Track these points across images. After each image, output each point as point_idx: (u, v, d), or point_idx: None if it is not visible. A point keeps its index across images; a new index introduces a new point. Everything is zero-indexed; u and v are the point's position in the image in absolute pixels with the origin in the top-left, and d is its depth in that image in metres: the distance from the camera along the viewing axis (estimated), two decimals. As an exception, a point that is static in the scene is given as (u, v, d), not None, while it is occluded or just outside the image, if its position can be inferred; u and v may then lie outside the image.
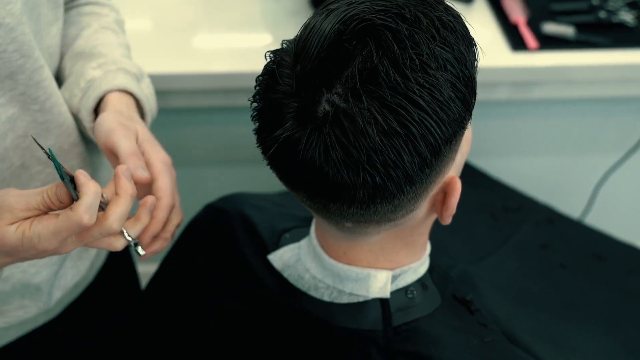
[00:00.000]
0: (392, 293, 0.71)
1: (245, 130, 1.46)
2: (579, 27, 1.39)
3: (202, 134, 1.51)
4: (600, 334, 1.02)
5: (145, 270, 1.21)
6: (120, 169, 0.63)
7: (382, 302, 0.71)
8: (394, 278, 0.71)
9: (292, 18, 1.43)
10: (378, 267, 0.71)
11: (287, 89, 0.58)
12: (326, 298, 0.72)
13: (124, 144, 0.73)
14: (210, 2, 1.47)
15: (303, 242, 0.76)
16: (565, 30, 1.38)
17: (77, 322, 0.97)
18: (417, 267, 0.73)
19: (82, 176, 0.60)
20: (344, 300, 0.71)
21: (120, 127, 0.75)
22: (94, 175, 0.89)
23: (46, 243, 0.61)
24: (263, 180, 1.54)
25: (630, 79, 1.41)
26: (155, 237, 0.75)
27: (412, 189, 0.60)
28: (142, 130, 0.78)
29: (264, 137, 0.61)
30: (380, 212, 0.61)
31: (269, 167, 0.63)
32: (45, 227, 0.61)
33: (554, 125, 1.57)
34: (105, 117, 0.77)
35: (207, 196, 0.99)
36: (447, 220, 0.68)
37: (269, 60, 0.62)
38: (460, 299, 0.75)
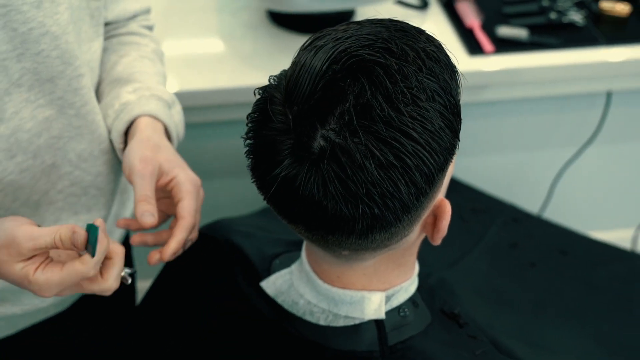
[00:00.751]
0: (387, 313, 0.72)
1: (206, 146, 1.48)
2: (532, 29, 1.43)
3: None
4: (573, 331, 1.05)
5: (142, 286, 1.19)
6: (101, 227, 0.68)
7: (377, 323, 0.72)
8: (387, 298, 0.73)
9: (249, 31, 1.43)
10: (371, 289, 0.72)
11: (281, 126, 0.59)
12: (322, 322, 0.73)
13: (138, 187, 0.77)
14: (165, 15, 1.46)
15: (294, 267, 0.77)
16: (518, 32, 1.42)
17: (84, 317, 1.02)
18: (408, 286, 0.74)
19: (102, 233, 0.66)
20: (340, 323, 0.72)
21: (141, 164, 0.78)
22: (117, 180, 0.93)
23: (47, 293, 0.67)
24: (241, 192, 1.55)
25: (581, 77, 1.45)
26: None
27: (408, 217, 0.61)
28: (169, 155, 0.82)
29: (260, 174, 0.62)
30: (377, 240, 0.63)
31: (265, 201, 0.64)
32: (49, 278, 0.66)
33: (509, 124, 1.62)
34: (130, 150, 0.81)
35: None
36: (438, 241, 0.70)
37: (258, 97, 0.63)
38: (448, 313, 0.77)
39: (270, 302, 0.76)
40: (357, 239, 0.61)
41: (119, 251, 0.70)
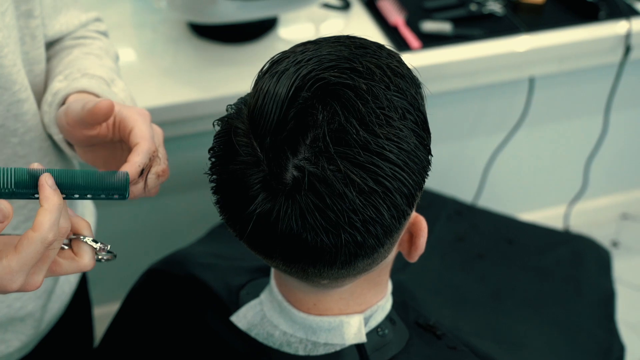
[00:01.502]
0: (366, 335, 0.71)
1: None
2: (455, 21, 1.44)
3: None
4: (532, 320, 1.07)
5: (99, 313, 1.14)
6: (44, 178, 0.58)
7: (358, 346, 0.70)
8: (366, 320, 0.71)
9: (171, 45, 1.38)
10: (349, 312, 0.70)
11: (249, 159, 0.56)
12: (301, 352, 0.70)
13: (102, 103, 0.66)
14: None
15: (264, 297, 0.74)
16: (443, 26, 1.43)
17: None
18: (384, 304, 0.73)
19: (46, 185, 0.57)
20: (320, 351, 0.70)
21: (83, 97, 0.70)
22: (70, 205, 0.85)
23: (13, 280, 0.57)
24: (179, 211, 1.50)
25: (505, 65, 1.48)
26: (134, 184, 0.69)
27: (390, 240, 0.60)
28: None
29: (231, 212, 0.59)
30: (359, 267, 0.61)
31: (239, 240, 0.61)
32: (7, 265, 0.56)
33: (438, 117, 1.63)
34: (59, 113, 0.72)
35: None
36: (416, 258, 0.69)
37: (218, 128, 0.60)
38: (424, 325, 0.76)
39: (243, 337, 0.73)
40: (339, 268, 0.59)
41: (84, 225, 0.62)
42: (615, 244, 2.05)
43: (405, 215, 0.58)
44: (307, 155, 0.55)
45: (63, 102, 0.76)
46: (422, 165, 0.59)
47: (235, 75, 1.32)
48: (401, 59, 0.61)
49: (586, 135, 1.77)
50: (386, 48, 0.61)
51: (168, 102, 1.26)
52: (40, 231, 0.56)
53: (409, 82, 0.59)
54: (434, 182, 1.60)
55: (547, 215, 1.94)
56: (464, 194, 1.73)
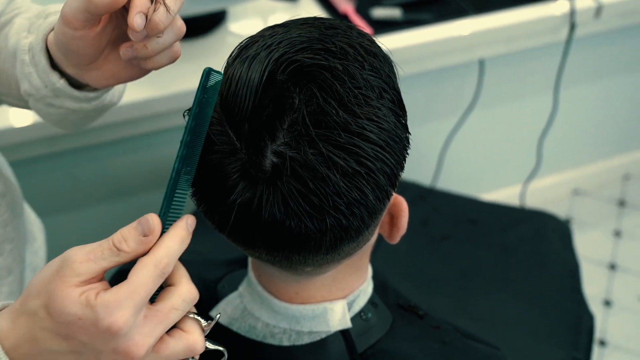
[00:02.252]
0: (351, 320, 0.70)
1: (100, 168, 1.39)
2: (404, 7, 1.44)
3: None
4: (502, 296, 1.08)
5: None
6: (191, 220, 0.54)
7: (343, 332, 0.69)
8: (349, 305, 0.70)
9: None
10: (332, 298, 0.69)
11: (225, 148, 0.55)
12: (285, 342, 0.69)
13: None
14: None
15: (243, 290, 0.72)
16: (392, 12, 1.43)
17: None
18: (366, 287, 0.72)
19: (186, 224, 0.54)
20: (305, 340, 0.69)
21: None
22: (23, 225, 0.78)
23: (117, 315, 0.49)
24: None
25: (456, 48, 1.49)
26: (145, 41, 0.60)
27: (374, 222, 0.59)
28: None
29: (211, 205, 0.57)
30: (344, 252, 0.60)
31: (217, 231, 0.59)
32: (114, 292, 0.49)
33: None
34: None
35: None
36: (397, 239, 0.68)
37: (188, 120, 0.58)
38: (406, 306, 0.76)
39: (224, 332, 0.71)
40: (324, 254, 0.58)
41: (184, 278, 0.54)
42: (569, 220, 2.10)
43: (388, 195, 0.58)
44: (286, 140, 0.53)
45: (47, 50, 0.68)
46: (402, 144, 0.58)
47: (188, 71, 1.29)
48: (372, 38, 0.60)
49: (537, 114, 1.80)
50: (356, 27, 0.60)
51: (130, 99, 1.23)
52: (156, 254, 0.51)
53: (382, 61, 0.59)
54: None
55: (503, 194, 1.97)
56: (422, 178, 1.74)
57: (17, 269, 0.79)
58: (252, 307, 0.71)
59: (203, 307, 0.74)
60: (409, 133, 0.60)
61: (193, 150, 0.55)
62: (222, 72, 0.57)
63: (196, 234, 0.57)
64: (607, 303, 1.88)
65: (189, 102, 0.57)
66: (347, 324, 0.69)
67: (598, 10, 1.53)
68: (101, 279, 0.52)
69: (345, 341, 0.69)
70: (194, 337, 0.54)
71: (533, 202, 2.02)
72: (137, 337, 0.50)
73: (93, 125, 1.23)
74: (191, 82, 1.26)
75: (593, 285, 1.91)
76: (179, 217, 0.54)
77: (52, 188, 1.39)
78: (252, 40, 0.58)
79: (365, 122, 0.54)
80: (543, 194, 2.07)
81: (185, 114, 0.58)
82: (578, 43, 1.63)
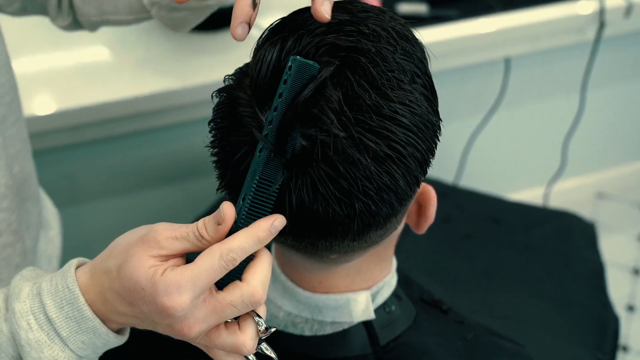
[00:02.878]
0: (374, 312, 0.68)
1: (113, 161, 1.39)
2: (431, 2, 1.43)
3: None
4: (524, 296, 1.06)
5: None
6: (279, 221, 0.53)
7: (366, 324, 0.68)
8: (373, 297, 0.69)
9: (142, 35, 1.35)
10: (355, 289, 0.68)
11: (255, 131, 0.53)
12: (307, 332, 0.68)
13: None
14: (45, 26, 1.35)
15: (264, 279, 0.71)
16: (418, 8, 1.42)
17: None
18: (390, 280, 0.71)
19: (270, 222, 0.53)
20: (327, 331, 0.68)
21: None
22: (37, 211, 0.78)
23: (174, 296, 0.50)
24: (156, 206, 1.46)
25: (481, 46, 1.47)
26: None
27: (403, 209, 0.58)
28: None
29: (237, 188, 0.56)
30: (371, 239, 0.59)
31: None
32: (178, 274, 0.50)
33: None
34: None
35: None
36: (425, 229, 0.67)
37: (217, 100, 0.57)
38: (430, 301, 0.75)
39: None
40: (351, 240, 0.57)
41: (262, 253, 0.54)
42: (592, 223, 2.06)
43: (418, 181, 0.56)
44: (316, 123, 0.52)
45: None
46: (434, 129, 0.57)
47: (210, 63, 1.29)
48: (404, 22, 0.59)
49: (563, 114, 1.78)
50: (388, 11, 0.59)
51: (143, 92, 1.23)
52: (225, 245, 0.51)
53: (414, 45, 0.57)
54: (413, 166, 1.60)
55: (527, 195, 1.95)
56: (445, 176, 1.72)
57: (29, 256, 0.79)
58: (274, 296, 0.70)
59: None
60: (441, 120, 0.59)
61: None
62: (252, 53, 0.56)
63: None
64: (631, 308, 1.85)
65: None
66: (371, 315, 0.68)
67: (628, 10, 1.50)
68: (179, 259, 0.53)
69: (368, 333, 0.68)
70: (244, 339, 0.54)
71: (556, 204, 1.99)
72: (191, 319, 0.52)
73: (114, 115, 1.24)
74: (213, 74, 1.25)
75: (616, 289, 1.88)
76: (268, 212, 0.53)
77: (72, 178, 1.39)
78: (283, 22, 0.57)
79: (398, 106, 0.53)
80: (567, 196, 2.04)
81: (214, 95, 0.57)
82: (607, 43, 1.60)
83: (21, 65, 1.26)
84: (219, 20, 1.34)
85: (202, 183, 1.44)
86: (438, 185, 1.34)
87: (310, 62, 0.52)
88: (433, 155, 0.58)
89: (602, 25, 1.51)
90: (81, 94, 1.23)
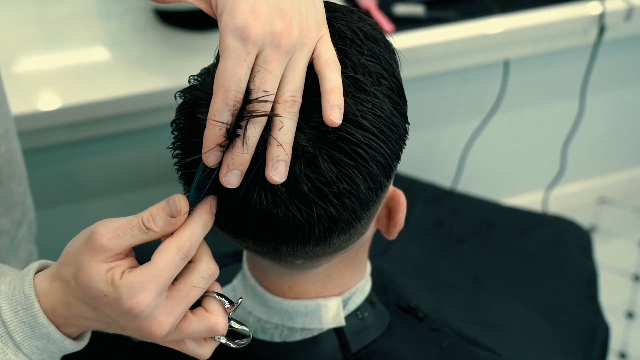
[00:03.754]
0: (345, 318, 0.67)
1: (103, 161, 1.38)
2: (428, 4, 1.42)
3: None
4: (515, 303, 1.05)
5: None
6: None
7: (337, 331, 0.67)
8: (344, 303, 0.68)
9: (137, 34, 1.34)
10: (326, 295, 0.67)
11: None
12: (277, 339, 0.67)
13: None
14: (39, 24, 1.34)
15: (236, 283, 0.70)
16: (415, 9, 1.40)
17: None
18: (363, 285, 0.70)
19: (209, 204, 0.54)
20: (297, 337, 0.67)
21: None
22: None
23: (140, 296, 0.50)
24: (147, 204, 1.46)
25: (480, 48, 1.46)
26: None
27: (367, 215, 0.56)
28: None
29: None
30: (335, 244, 0.58)
31: None
32: (138, 274, 0.51)
33: (412, 102, 1.60)
34: None
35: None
36: (395, 235, 0.66)
37: (180, 100, 0.56)
38: (406, 307, 0.73)
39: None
40: (314, 246, 0.56)
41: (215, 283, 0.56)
42: (593, 228, 2.04)
43: (382, 187, 0.55)
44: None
45: None
46: (399, 133, 0.55)
47: (204, 63, 1.28)
48: (375, 23, 0.58)
49: (563, 118, 1.76)
50: (357, 11, 0.58)
51: (137, 91, 1.22)
52: (180, 237, 0.52)
53: (382, 47, 0.56)
54: (410, 168, 1.58)
55: (525, 200, 1.93)
56: (442, 180, 1.70)
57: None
58: (244, 301, 0.69)
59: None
60: (408, 123, 0.57)
61: None
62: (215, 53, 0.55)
63: None
64: (630, 315, 1.83)
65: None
66: (341, 322, 0.67)
67: (629, 13, 1.48)
68: (127, 255, 0.53)
69: (339, 340, 0.67)
70: (216, 318, 0.54)
71: (556, 209, 1.97)
72: (159, 317, 0.52)
73: (110, 114, 1.23)
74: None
75: (616, 296, 1.86)
76: (202, 198, 0.54)
77: (70, 176, 1.39)
78: None
79: (358, 108, 0.52)
80: (566, 201, 2.02)
81: (177, 95, 0.56)
82: (607, 46, 1.58)
83: (18, 64, 1.26)
84: (211, 20, 1.33)
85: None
86: (431, 189, 1.33)
87: None
88: (398, 159, 0.56)
89: (602, 29, 1.49)
90: (77, 92, 1.22)
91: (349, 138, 0.51)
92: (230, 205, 0.53)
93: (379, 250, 1.12)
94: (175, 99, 0.57)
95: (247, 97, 0.49)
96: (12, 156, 0.82)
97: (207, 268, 0.53)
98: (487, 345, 0.74)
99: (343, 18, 0.56)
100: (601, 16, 1.46)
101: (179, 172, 0.57)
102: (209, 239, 0.73)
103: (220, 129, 0.49)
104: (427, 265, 1.12)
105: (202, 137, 0.53)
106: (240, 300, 0.57)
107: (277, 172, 0.50)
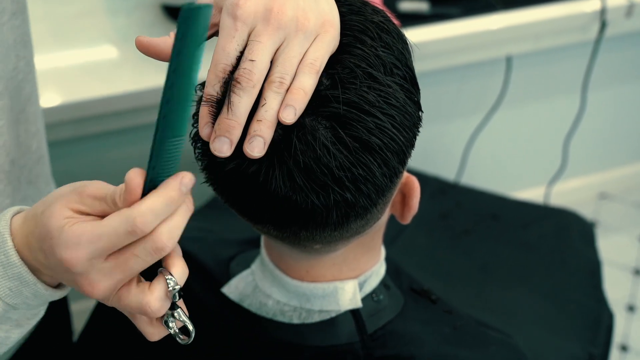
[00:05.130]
0: (361, 300, 0.69)
1: (111, 155, 1.40)
2: (432, 1, 1.43)
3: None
4: (520, 291, 1.07)
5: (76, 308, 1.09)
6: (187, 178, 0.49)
7: (353, 312, 0.69)
8: (360, 285, 0.70)
9: (146, 30, 1.36)
10: (343, 278, 0.69)
11: None
12: (296, 320, 0.69)
13: None
14: (47, 21, 1.36)
15: (255, 267, 0.72)
16: (419, 6, 1.42)
17: None
18: (378, 269, 0.72)
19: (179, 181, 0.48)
20: (315, 319, 0.69)
21: None
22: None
23: (73, 249, 0.48)
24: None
25: (483, 44, 1.48)
26: None
27: (382, 200, 0.58)
28: None
29: (216, 175, 0.57)
30: (353, 229, 0.60)
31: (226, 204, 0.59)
32: (81, 228, 0.48)
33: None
34: None
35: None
36: (409, 219, 0.68)
37: (200, 94, 0.58)
38: (419, 290, 0.75)
39: (235, 308, 0.71)
40: (332, 230, 0.58)
41: (178, 263, 0.52)
42: (594, 223, 2.06)
43: (397, 173, 0.57)
44: None
45: None
46: (413, 121, 0.57)
47: (206, 60, 1.30)
48: (386, 15, 0.60)
49: (564, 114, 1.78)
50: (371, 4, 0.60)
51: (146, 86, 1.24)
52: (134, 209, 0.47)
53: (395, 38, 0.58)
54: (413, 162, 1.60)
55: (527, 195, 1.95)
56: (445, 175, 1.72)
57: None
58: (263, 285, 0.70)
59: (215, 283, 0.74)
60: (422, 111, 0.59)
61: (180, 94, 0.48)
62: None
63: (211, 217, 0.57)
64: (631, 308, 1.85)
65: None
66: (358, 304, 0.68)
67: (629, 9, 1.50)
68: (94, 220, 0.50)
69: (356, 321, 0.69)
70: (150, 297, 0.50)
71: (557, 204, 1.99)
72: (94, 276, 0.49)
73: (117, 109, 1.25)
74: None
75: (617, 289, 1.88)
76: (173, 172, 0.49)
77: (75, 171, 1.40)
78: None
79: (372, 96, 0.53)
80: (568, 196, 2.04)
81: (197, 89, 0.58)
82: (608, 42, 1.61)
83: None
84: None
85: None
86: (436, 182, 1.35)
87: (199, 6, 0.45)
88: (412, 146, 0.58)
89: (603, 25, 1.51)
90: (85, 88, 1.24)
91: (364, 126, 0.53)
92: (250, 191, 0.55)
93: (386, 242, 1.14)
94: (196, 92, 0.58)
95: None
96: (41, 155, 0.83)
97: (154, 241, 0.48)
98: (497, 328, 0.76)
99: (357, 11, 0.57)
100: (602, 12, 1.48)
101: (200, 163, 0.58)
102: (228, 224, 0.75)
103: (210, 100, 0.51)
104: (434, 255, 1.14)
105: None
106: (179, 287, 0.52)
107: (252, 146, 0.51)
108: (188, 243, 0.79)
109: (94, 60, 1.31)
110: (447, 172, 1.77)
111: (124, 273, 0.49)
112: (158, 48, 0.57)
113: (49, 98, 1.21)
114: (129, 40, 1.34)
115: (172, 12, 1.35)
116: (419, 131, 0.59)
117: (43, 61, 1.29)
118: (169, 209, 0.48)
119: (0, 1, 0.70)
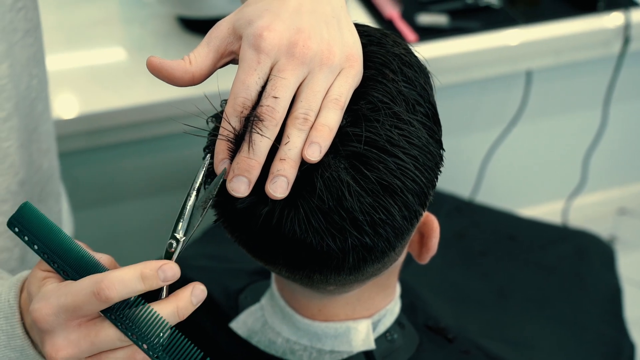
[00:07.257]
0: (375, 341, 0.67)
1: (123, 167, 1.38)
2: (452, 14, 1.41)
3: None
4: (539, 318, 1.04)
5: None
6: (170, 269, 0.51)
7: (366, 353, 0.67)
8: (374, 325, 0.67)
9: (160, 41, 1.34)
10: (356, 317, 0.66)
11: None
12: None
13: None
14: (62, 29, 1.35)
15: (265, 302, 0.70)
16: (439, 19, 1.39)
17: None
18: (393, 307, 0.69)
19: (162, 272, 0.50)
20: (327, 359, 0.66)
21: None
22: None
23: (40, 302, 0.48)
24: (163, 211, 1.46)
25: (503, 58, 1.45)
26: None
27: (401, 243, 0.56)
28: None
29: (230, 216, 0.55)
30: (369, 272, 0.57)
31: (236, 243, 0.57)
32: (54, 287, 0.49)
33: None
34: None
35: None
36: (427, 260, 0.65)
37: (213, 125, 0.56)
38: (435, 328, 0.73)
39: (243, 345, 0.69)
40: (347, 274, 0.55)
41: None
42: (612, 239, 2.02)
43: (417, 215, 0.54)
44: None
45: None
46: (435, 161, 0.55)
47: (227, 71, 1.28)
48: (408, 47, 0.58)
49: (584, 129, 1.74)
50: (391, 35, 0.57)
51: (159, 99, 1.22)
52: (105, 275, 0.47)
53: (417, 72, 0.56)
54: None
55: (545, 210, 1.91)
56: (461, 190, 1.69)
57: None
58: (273, 321, 0.68)
59: (223, 316, 0.72)
60: (443, 150, 0.57)
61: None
62: None
63: (220, 240, 0.55)
64: (650, 328, 1.81)
65: (216, 105, 0.55)
66: (371, 345, 0.66)
67: (654, 25, 1.47)
68: None
69: None
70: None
71: (576, 219, 1.95)
72: (57, 339, 0.48)
73: (130, 121, 1.23)
74: (229, 82, 1.24)
75: (636, 308, 1.84)
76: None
77: (84, 182, 1.39)
78: None
79: (394, 136, 0.51)
80: (587, 211, 2.00)
81: (209, 120, 0.56)
82: (631, 57, 1.57)
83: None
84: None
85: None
86: (452, 200, 1.32)
87: None
88: (434, 187, 0.56)
89: (627, 40, 1.48)
90: (98, 99, 1.22)
91: (385, 167, 0.51)
92: (263, 233, 0.53)
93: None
94: (207, 123, 0.56)
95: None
96: (52, 173, 0.82)
97: (114, 334, 0.48)
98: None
99: (377, 42, 0.55)
100: (626, 28, 1.45)
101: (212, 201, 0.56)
102: (237, 253, 0.72)
103: (228, 135, 0.49)
104: (449, 278, 1.11)
105: None
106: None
107: (275, 186, 0.49)
108: (198, 274, 0.77)
109: (107, 70, 1.30)
110: (464, 185, 1.74)
111: (91, 346, 0.48)
112: (170, 72, 0.55)
113: (62, 109, 1.20)
114: (143, 49, 1.32)
115: (187, 24, 1.34)
116: (440, 171, 0.56)
117: (56, 68, 1.28)
118: (138, 284, 0.48)
119: (12, 20, 0.69)
